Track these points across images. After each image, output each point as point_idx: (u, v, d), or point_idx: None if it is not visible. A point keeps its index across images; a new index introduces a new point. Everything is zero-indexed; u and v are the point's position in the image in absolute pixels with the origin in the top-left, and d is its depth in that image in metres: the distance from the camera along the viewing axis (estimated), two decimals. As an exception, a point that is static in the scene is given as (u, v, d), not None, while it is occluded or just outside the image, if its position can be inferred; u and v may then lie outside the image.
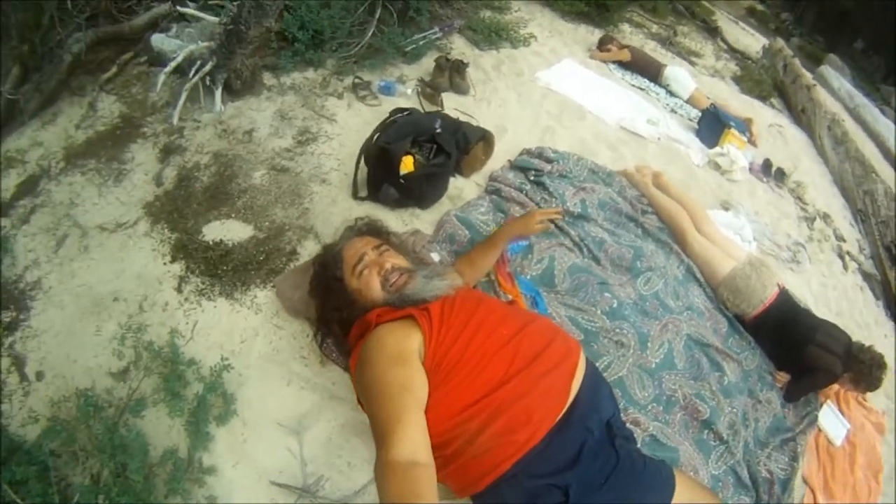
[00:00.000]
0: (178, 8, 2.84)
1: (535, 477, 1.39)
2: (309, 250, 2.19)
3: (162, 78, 2.48)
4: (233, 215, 2.26)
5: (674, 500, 1.53)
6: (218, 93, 2.54)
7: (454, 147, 2.63)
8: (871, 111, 7.67)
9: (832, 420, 2.76)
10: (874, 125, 7.24)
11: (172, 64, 2.41)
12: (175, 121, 2.49)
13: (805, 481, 2.44)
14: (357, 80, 3.13)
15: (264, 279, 2.07)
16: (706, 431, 2.20)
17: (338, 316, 1.71)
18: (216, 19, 2.43)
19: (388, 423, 1.25)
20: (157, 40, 2.68)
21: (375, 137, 2.46)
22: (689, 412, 2.21)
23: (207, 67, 2.35)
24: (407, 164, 2.43)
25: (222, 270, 2.06)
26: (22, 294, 1.94)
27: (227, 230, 2.20)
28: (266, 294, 2.02)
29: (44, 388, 1.74)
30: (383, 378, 1.37)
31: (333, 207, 2.40)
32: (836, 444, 2.68)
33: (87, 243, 2.09)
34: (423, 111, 3.01)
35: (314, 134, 2.74)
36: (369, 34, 3.32)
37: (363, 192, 2.50)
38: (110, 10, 2.92)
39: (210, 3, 2.98)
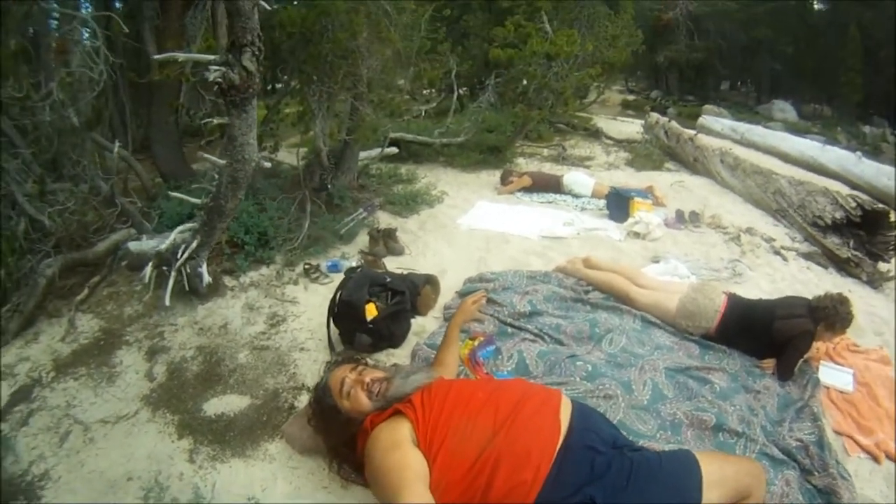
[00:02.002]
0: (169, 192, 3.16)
1: (554, 502, 1.55)
2: (305, 403, 2.37)
3: (149, 269, 2.76)
4: (228, 391, 2.47)
5: (706, 477, 1.61)
6: (203, 268, 2.82)
7: (406, 287, 2.99)
8: (756, 132, 8.76)
9: (833, 373, 2.88)
10: (764, 141, 8.21)
11: (165, 244, 2.68)
12: (167, 302, 2.72)
13: (838, 433, 2.51)
14: (307, 266, 3.54)
15: (271, 434, 2.23)
16: (720, 434, 2.29)
17: (342, 437, 1.92)
18: (198, 200, 2.77)
19: (392, 499, 1.45)
20: (135, 245, 3.01)
21: (338, 296, 2.79)
22: (696, 426, 2.31)
23: (194, 245, 2.64)
24: (371, 311, 2.76)
25: (229, 437, 2.22)
26: (30, 486, 1.98)
27: (225, 404, 2.39)
28: (276, 445, 2.18)
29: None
30: (382, 465, 1.58)
31: (317, 365, 2.64)
32: (849, 390, 2.78)
33: (92, 436, 2.20)
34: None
35: (282, 316, 3.05)
36: (306, 226, 3.78)
37: (339, 348, 2.77)
38: (72, 238, 3.25)
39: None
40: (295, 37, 3.08)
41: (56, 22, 3.54)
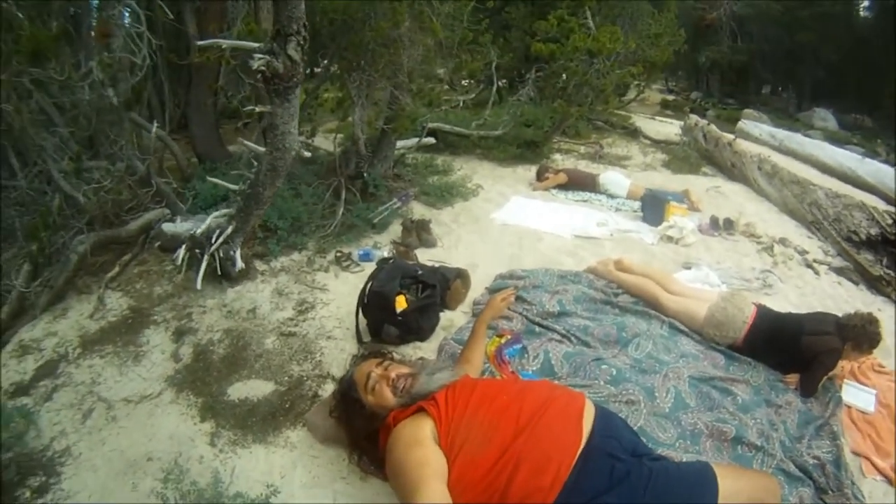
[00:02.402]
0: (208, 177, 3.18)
1: None
2: (330, 392, 2.35)
3: (182, 251, 2.76)
4: (253, 376, 2.45)
5: (721, 490, 1.60)
6: (237, 253, 2.82)
7: (437, 280, 2.92)
8: (795, 140, 8.42)
9: (856, 393, 2.84)
10: (802, 150, 7.92)
11: (201, 228, 2.69)
12: (199, 285, 2.73)
13: (856, 454, 2.49)
14: (339, 254, 3.51)
15: (293, 422, 2.22)
16: (739, 447, 2.27)
17: (365, 431, 1.90)
18: (235, 187, 2.76)
19: (410, 495, 1.42)
20: (169, 227, 3.00)
21: (368, 286, 2.74)
22: (715, 437, 2.28)
23: (229, 230, 2.62)
24: (401, 303, 2.72)
25: (252, 422, 2.21)
26: (51, 461, 2.00)
27: (250, 389, 2.37)
28: (298, 433, 2.16)
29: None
30: (402, 460, 1.56)
31: (343, 354, 2.62)
32: (870, 410, 2.75)
33: (115, 414, 2.22)
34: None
35: (311, 303, 3.03)
36: (340, 213, 3.75)
37: (367, 338, 2.73)
38: (106, 216, 3.28)
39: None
40: (337, 23, 3.02)
41: (98, 1, 3.55)
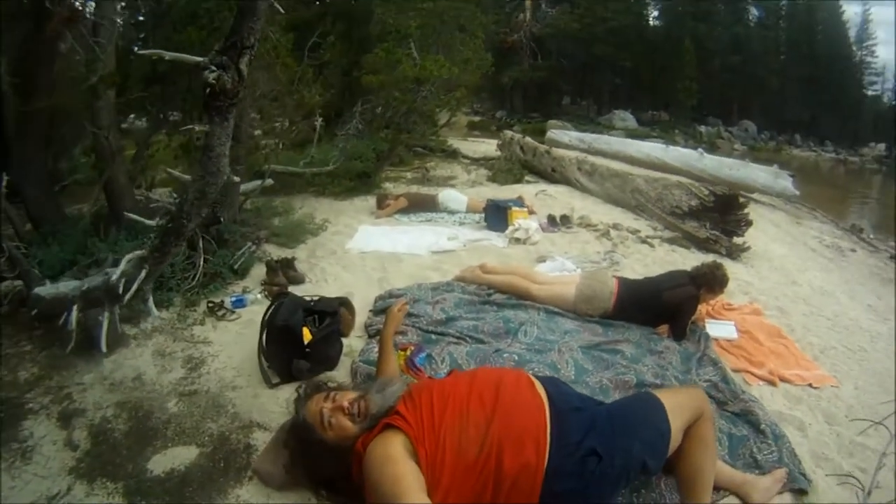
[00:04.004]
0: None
1: (564, 463, 1.67)
2: (261, 439, 2.25)
3: (74, 313, 2.39)
4: (169, 445, 2.23)
5: (667, 407, 1.85)
6: (150, 301, 2.61)
7: (334, 308, 2.94)
8: (603, 140, 9.77)
9: (719, 327, 3.42)
10: (611, 148, 9.13)
11: (118, 270, 2.35)
12: (104, 348, 2.47)
13: (736, 371, 2.98)
14: (210, 304, 3.31)
15: (237, 478, 2.07)
16: (642, 389, 2.54)
17: (339, 469, 1.81)
18: (152, 222, 2.48)
19: None
20: (46, 290, 2.56)
21: (270, 324, 2.67)
22: (621, 387, 2.61)
23: (142, 275, 2.33)
24: (306, 335, 2.68)
25: (190, 492, 2.01)
26: None
27: (172, 458, 2.16)
28: (248, 488, 2.02)
29: None
30: (378, 481, 1.54)
31: (258, 400, 2.50)
32: (734, 337, 3.33)
33: None
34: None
35: (199, 359, 2.83)
36: (201, 264, 3.53)
37: (275, 380, 2.63)
38: None
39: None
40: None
41: None
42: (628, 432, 1.78)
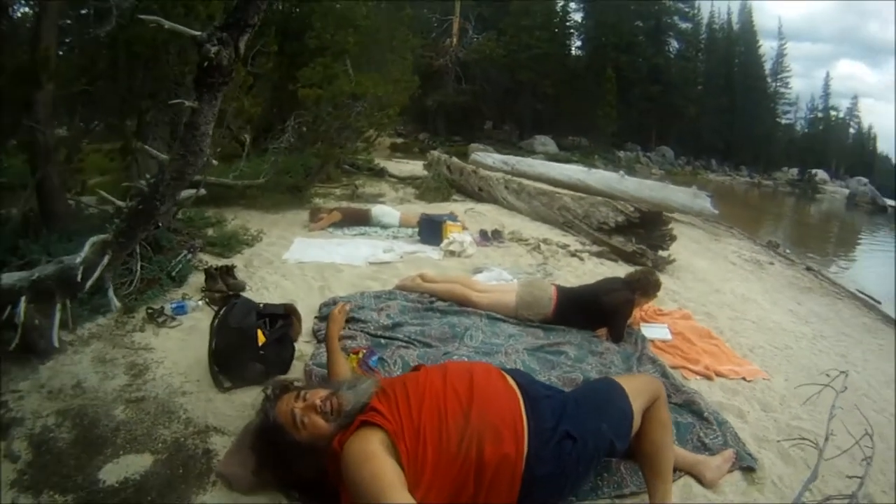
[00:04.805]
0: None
1: (542, 449, 1.74)
2: (220, 443, 2.18)
3: (22, 304, 2.21)
4: (121, 452, 2.11)
5: (627, 390, 1.97)
6: (111, 291, 2.49)
7: (284, 311, 2.93)
8: (526, 163, 10.09)
9: (652, 331, 3.66)
10: (533, 170, 9.43)
11: (80, 255, 2.19)
12: (56, 343, 2.36)
13: (674, 368, 3.20)
14: (150, 311, 3.18)
15: (199, 484, 1.99)
16: None
17: (315, 470, 1.78)
18: (123, 203, 2.33)
19: None
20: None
21: (220, 324, 2.64)
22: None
23: (104, 261, 2.18)
24: (260, 337, 2.65)
25: (147, 502, 1.90)
26: None
27: (124, 467, 2.04)
28: (213, 494, 1.94)
29: None
30: (357, 480, 1.53)
31: (212, 404, 2.43)
32: (669, 338, 3.58)
33: None
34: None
35: (143, 365, 2.71)
36: (139, 270, 3.40)
37: (227, 383, 2.57)
38: None
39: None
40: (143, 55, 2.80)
41: None
42: (596, 415, 1.88)
